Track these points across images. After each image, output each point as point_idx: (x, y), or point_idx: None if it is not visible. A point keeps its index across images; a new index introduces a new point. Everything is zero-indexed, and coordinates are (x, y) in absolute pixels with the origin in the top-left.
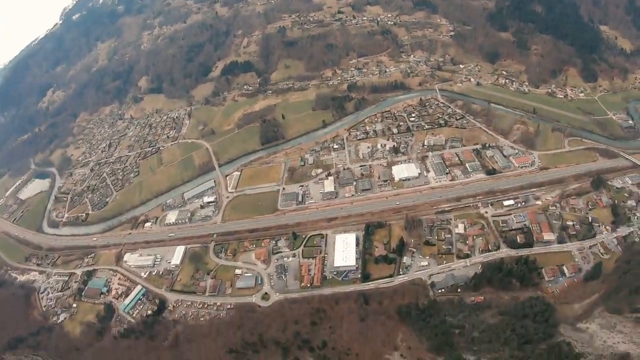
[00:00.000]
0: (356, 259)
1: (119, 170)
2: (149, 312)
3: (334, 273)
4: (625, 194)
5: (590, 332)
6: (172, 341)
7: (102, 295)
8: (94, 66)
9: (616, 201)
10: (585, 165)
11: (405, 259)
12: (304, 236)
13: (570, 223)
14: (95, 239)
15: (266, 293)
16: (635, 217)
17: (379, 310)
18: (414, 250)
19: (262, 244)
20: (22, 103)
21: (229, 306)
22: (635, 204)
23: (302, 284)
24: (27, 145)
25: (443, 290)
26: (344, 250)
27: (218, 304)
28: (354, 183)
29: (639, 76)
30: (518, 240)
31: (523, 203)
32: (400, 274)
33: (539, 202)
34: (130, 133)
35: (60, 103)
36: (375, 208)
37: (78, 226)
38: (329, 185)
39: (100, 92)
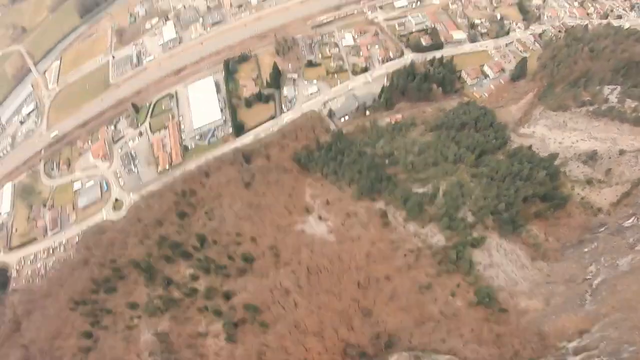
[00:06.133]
0: (220, 109)
1: None
2: None
3: (197, 137)
4: None
5: (539, 135)
6: (11, 322)
7: None
8: None
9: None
10: None
11: (286, 91)
12: (148, 104)
13: (478, 21)
14: None
15: (117, 200)
16: (545, 15)
17: (269, 167)
18: (295, 76)
19: (99, 135)
20: None
21: (77, 239)
22: (541, 2)
23: (160, 168)
24: None
25: (347, 117)
26: (203, 103)
27: (64, 242)
28: (200, 20)
29: None
30: (423, 43)
31: (418, 3)
32: (285, 111)
33: (436, 2)
34: None
35: None
36: (233, 40)
37: None
38: (168, 31)
39: None
